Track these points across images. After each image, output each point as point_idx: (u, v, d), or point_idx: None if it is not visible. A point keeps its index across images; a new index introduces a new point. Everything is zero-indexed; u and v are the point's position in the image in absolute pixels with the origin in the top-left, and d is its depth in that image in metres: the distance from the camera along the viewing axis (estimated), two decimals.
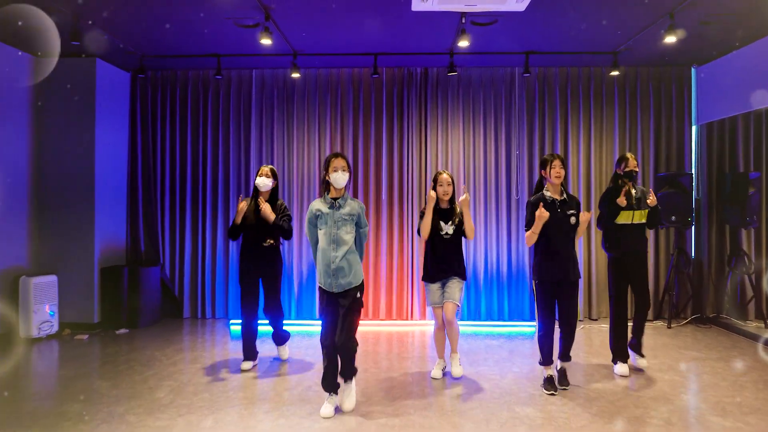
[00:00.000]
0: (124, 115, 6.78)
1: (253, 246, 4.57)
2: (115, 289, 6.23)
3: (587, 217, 4.12)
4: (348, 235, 3.64)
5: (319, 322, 4.12)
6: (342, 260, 3.60)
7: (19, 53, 5.88)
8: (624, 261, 4.51)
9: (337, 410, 3.70)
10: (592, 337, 5.89)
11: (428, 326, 6.45)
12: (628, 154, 4.49)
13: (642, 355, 4.70)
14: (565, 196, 4.22)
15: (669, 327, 6.26)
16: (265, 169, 4.61)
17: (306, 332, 6.17)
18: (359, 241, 3.76)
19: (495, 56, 6.34)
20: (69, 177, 6.15)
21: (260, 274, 4.63)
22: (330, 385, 3.70)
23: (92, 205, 6.16)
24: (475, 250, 6.65)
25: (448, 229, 4.33)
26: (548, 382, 4.18)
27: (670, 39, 4.92)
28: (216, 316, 6.85)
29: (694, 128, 6.76)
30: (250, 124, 6.83)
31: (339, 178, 3.65)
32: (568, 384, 4.26)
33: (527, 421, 3.57)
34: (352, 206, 3.70)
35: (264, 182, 4.54)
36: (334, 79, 6.80)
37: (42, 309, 5.75)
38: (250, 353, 4.72)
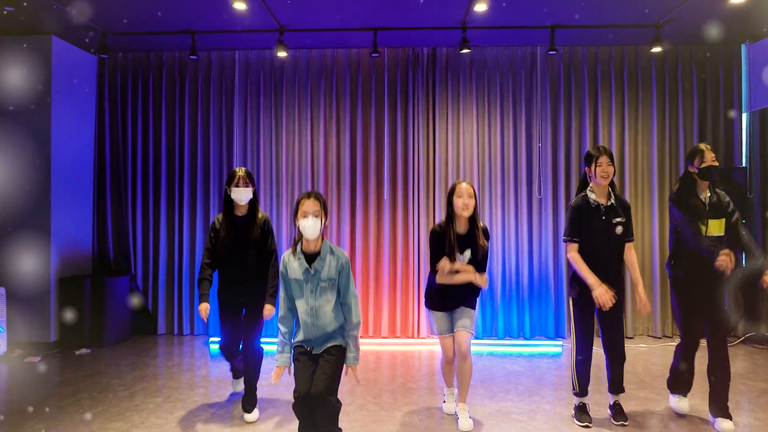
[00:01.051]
0: (89, 103, 5.95)
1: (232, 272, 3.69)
2: (77, 302, 5.39)
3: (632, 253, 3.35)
4: (332, 305, 2.77)
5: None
6: (328, 330, 2.76)
7: None
8: (703, 279, 3.47)
9: None
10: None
11: (437, 345, 5.58)
12: (703, 146, 3.46)
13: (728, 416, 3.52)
14: (612, 200, 3.39)
15: None
16: (240, 173, 3.58)
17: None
18: (349, 311, 2.82)
19: (515, 32, 5.45)
20: (20, 172, 5.32)
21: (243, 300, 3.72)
22: None
23: (48, 204, 5.33)
24: (490, 258, 5.76)
25: (463, 259, 3.43)
26: (581, 411, 3.44)
27: None
28: (195, 332, 6.01)
29: (744, 116, 5.85)
30: (233, 113, 5.97)
31: (309, 227, 2.71)
32: (626, 419, 3.42)
33: None
34: (330, 267, 2.76)
35: (244, 195, 3.57)
36: (328, 60, 5.94)
37: None
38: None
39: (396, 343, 5.65)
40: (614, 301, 3.29)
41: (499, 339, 5.73)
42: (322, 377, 2.65)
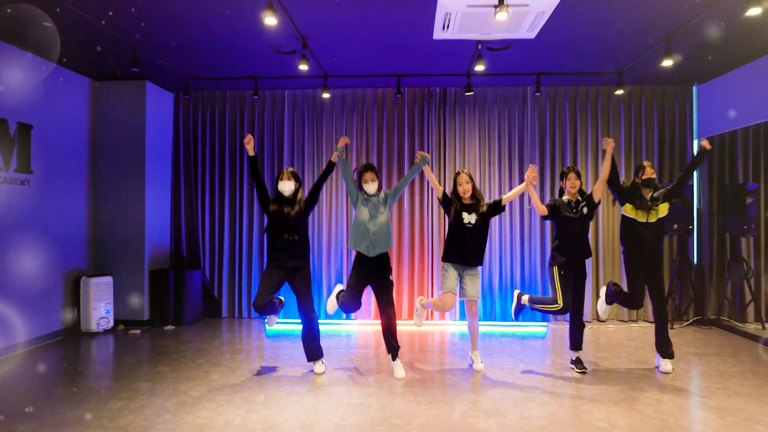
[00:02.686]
0: (168, 131, 7.46)
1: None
2: (163, 289, 6.87)
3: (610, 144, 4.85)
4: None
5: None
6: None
7: (80, 78, 6.60)
8: (638, 256, 4.87)
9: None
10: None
11: (447, 326, 6.99)
12: (645, 163, 4.89)
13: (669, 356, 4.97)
14: (579, 197, 4.85)
15: (672, 328, 6.71)
16: (286, 172, 4.72)
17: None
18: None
19: (508, 77, 6.91)
20: (122, 193, 6.83)
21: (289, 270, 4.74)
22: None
23: (143, 215, 6.83)
24: (490, 257, 7.17)
25: (470, 218, 4.80)
26: (578, 362, 4.93)
27: (667, 62, 5.43)
28: (252, 315, 7.46)
29: (695, 142, 7.24)
30: (283, 140, 7.46)
31: (369, 187, 4.79)
32: (585, 369, 4.90)
33: (538, 395, 4.10)
34: (380, 199, 4.83)
35: (286, 186, 4.70)
36: (359, 98, 7.42)
37: (100, 306, 6.40)
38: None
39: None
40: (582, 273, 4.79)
41: (497, 321, 7.13)
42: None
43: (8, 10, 4.55)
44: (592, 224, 6.49)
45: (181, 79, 6.88)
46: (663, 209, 4.83)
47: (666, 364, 4.87)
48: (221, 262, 7.50)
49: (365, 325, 7.06)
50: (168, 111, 7.45)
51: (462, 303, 6.53)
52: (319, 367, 4.85)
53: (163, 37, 5.41)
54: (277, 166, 7.46)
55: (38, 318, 5.86)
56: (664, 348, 4.90)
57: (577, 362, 4.94)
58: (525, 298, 5.00)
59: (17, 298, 5.54)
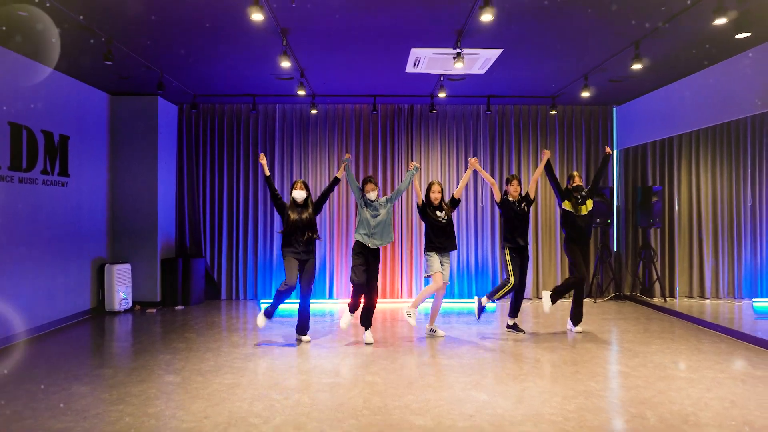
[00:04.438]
0: (173, 139, 8.60)
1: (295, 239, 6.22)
2: (171, 275, 8.03)
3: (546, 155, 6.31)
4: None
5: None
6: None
7: (101, 93, 7.69)
8: (578, 245, 6.33)
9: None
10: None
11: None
12: (575, 173, 6.40)
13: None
14: (519, 197, 6.28)
15: (595, 302, 8.35)
16: (299, 183, 5.93)
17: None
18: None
19: (465, 98, 8.38)
20: (137, 193, 7.95)
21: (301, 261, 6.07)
22: None
23: (155, 212, 7.97)
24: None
25: (442, 215, 6.12)
26: (514, 327, 6.35)
27: (585, 94, 7.00)
28: (247, 297, 8.69)
29: (615, 152, 8.90)
30: (274, 148, 8.71)
31: (372, 192, 6.05)
32: (523, 331, 6.32)
33: (489, 352, 5.56)
34: (380, 204, 6.06)
35: (299, 195, 6.01)
36: (340, 112, 8.74)
37: (121, 289, 7.52)
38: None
39: (386, 303, 8.47)
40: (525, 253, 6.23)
41: (455, 298, 8.60)
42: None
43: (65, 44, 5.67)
44: (532, 218, 8.02)
45: (188, 95, 8.04)
46: (589, 204, 6.37)
47: (578, 327, 6.39)
48: (221, 252, 8.70)
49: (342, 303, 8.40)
50: (173, 121, 8.58)
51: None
52: (306, 337, 6.03)
53: (187, 66, 6.59)
54: (269, 170, 8.68)
55: (73, 298, 6.96)
56: (577, 317, 6.41)
57: (515, 326, 6.40)
58: (483, 299, 6.33)
59: (58, 281, 6.63)
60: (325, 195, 6.10)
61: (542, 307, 6.40)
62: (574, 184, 6.35)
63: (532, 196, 6.37)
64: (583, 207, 6.33)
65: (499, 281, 8.67)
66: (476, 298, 6.48)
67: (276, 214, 8.58)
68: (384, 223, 5.94)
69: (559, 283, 8.52)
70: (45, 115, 6.38)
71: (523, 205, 6.28)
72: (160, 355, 5.39)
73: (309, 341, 6.00)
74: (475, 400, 4.09)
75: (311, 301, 6.02)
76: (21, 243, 5.96)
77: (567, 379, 4.58)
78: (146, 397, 4.17)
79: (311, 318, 6.22)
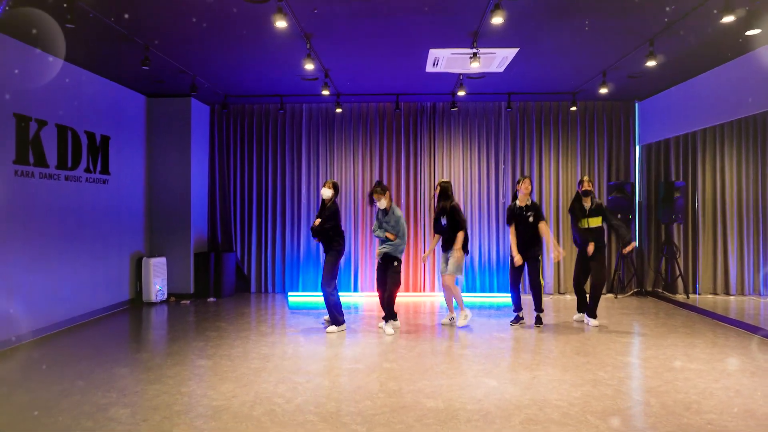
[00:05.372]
0: (205, 137, 9.01)
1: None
2: (204, 268, 8.44)
3: (544, 227, 6.33)
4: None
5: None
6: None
7: (138, 95, 8.14)
8: (583, 252, 6.51)
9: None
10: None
11: (435, 297, 8.64)
12: (585, 177, 6.49)
13: (594, 317, 6.64)
14: (528, 202, 6.40)
15: (616, 297, 8.42)
16: (328, 182, 6.32)
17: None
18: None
19: (485, 95, 8.53)
20: (172, 190, 8.39)
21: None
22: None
23: (188, 209, 8.39)
24: (472, 240, 8.81)
25: (444, 221, 6.38)
26: (517, 320, 6.48)
27: (603, 90, 7.09)
28: (276, 291, 9.06)
29: (637, 148, 8.92)
30: (301, 145, 9.03)
31: (379, 203, 6.22)
32: (542, 324, 6.47)
33: (504, 342, 5.76)
34: (392, 216, 6.18)
35: (324, 193, 6.37)
36: (365, 111, 9.01)
37: (157, 282, 7.96)
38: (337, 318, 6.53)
39: (409, 296, 8.71)
40: (528, 260, 6.35)
41: (477, 292, 8.79)
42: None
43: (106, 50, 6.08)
44: (552, 213, 8.13)
45: (219, 96, 8.42)
46: (594, 222, 6.42)
47: (593, 321, 6.49)
48: (250, 247, 9.09)
49: (369, 297, 8.69)
50: (206, 121, 8.99)
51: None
52: (332, 328, 6.30)
53: (218, 69, 6.95)
54: (296, 168, 9.03)
55: (113, 290, 7.42)
56: (592, 310, 6.54)
57: (537, 319, 6.55)
58: (537, 316, 6.45)
59: (99, 274, 7.09)
60: (336, 221, 6.28)
61: (590, 324, 6.47)
62: (583, 189, 6.43)
63: (540, 223, 6.36)
64: (586, 221, 6.41)
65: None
66: (529, 316, 6.68)
67: (303, 210, 8.96)
68: (383, 230, 6.19)
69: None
70: (88, 116, 6.82)
71: (529, 214, 6.32)
72: (193, 342, 5.76)
73: (332, 332, 6.24)
74: (485, 386, 4.31)
75: (339, 293, 6.33)
76: (67, 238, 6.42)
77: (577, 369, 4.76)
78: (180, 378, 4.53)
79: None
